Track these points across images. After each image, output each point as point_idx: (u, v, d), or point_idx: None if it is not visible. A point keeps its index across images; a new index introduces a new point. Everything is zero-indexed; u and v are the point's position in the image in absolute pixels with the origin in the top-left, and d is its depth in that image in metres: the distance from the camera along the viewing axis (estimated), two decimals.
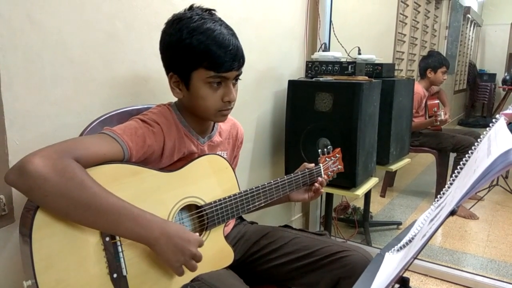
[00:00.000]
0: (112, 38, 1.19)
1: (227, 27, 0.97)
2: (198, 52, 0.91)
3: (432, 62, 3.02)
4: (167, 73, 1.00)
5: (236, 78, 1.00)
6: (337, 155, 1.35)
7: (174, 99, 1.06)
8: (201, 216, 0.98)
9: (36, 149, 0.77)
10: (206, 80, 0.94)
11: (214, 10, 0.99)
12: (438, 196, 0.66)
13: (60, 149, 0.77)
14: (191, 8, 0.98)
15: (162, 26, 1.32)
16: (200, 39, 0.91)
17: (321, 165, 1.27)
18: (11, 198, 0.99)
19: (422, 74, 3.10)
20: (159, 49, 0.99)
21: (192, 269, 0.87)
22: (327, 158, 1.31)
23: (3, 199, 0.97)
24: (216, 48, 0.91)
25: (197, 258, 0.87)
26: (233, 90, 0.99)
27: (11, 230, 1.01)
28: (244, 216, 1.26)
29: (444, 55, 4.08)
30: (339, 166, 1.35)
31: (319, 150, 1.32)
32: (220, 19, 0.97)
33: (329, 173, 1.31)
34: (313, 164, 1.25)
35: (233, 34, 0.97)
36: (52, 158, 0.74)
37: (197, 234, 0.91)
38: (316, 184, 1.22)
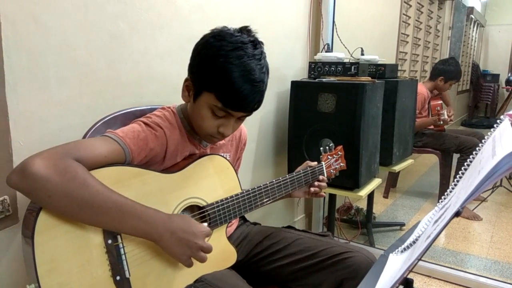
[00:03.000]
0: (116, 39, 1.19)
1: (262, 68, 0.93)
2: (219, 78, 0.89)
3: (448, 72, 2.99)
4: (188, 73, 0.98)
5: (245, 116, 0.98)
6: (339, 152, 1.34)
7: (177, 100, 1.06)
8: (204, 217, 0.98)
9: (40, 149, 0.77)
10: (211, 106, 0.92)
11: (261, 43, 0.95)
12: (442, 197, 0.66)
13: (62, 150, 0.78)
14: (241, 30, 0.94)
15: (166, 27, 1.34)
16: (229, 68, 0.87)
17: (323, 163, 1.27)
18: (15, 199, 0.99)
19: (433, 77, 3.08)
20: (193, 49, 0.96)
21: (202, 260, 0.87)
22: (329, 156, 1.31)
23: (7, 200, 0.98)
24: (238, 84, 0.88)
25: (206, 250, 0.87)
26: (232, 126, 0.97)
27: (15, 231, 1.01)
28: (247, 216, 1.26)
29: (447, 55, 4.07)
30: (341, 164, 1.34)
31: (321, 148, 1.31)
32: (261, 55, 0.94)
33: (332, 170, 1.31)
34: (315, 162, 1.25)
35: (263, 79, 0.93)
36: (53, 159, 0.75)
37: (205, 224, 0.91)
38: (312, 189, 1.22)
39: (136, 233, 0.82)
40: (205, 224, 0.93)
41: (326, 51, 2.15)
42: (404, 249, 0.66)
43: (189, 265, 0.87)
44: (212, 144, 1.08)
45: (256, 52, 0.92)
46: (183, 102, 1.04)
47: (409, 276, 0.65)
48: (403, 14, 3.54)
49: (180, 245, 0.84)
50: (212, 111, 0.93)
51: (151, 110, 1.04)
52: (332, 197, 2.03)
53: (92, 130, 1.02)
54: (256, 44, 0.94)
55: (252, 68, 0.90)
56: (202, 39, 0.95)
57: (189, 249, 0.85)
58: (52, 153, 0.76)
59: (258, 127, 1.92)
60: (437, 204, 0.66)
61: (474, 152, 0.63)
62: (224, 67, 0.88)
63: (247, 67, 0.89)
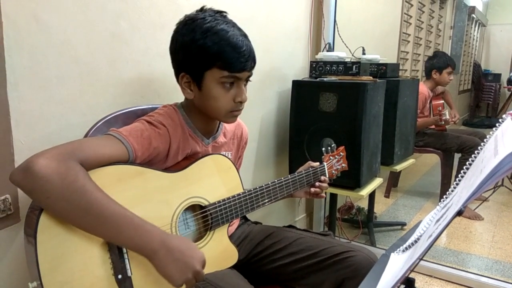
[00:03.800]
0: (117, 38, 1.19)
1: (239, 29, 0.98)
2: (212, 53, 0.92)
3: (437, 63, 2.99)
4: (178, 74, 0.99)
5: (247, 79, 1.01)
6: (341, 153, 1.34)
7: (179, 99, 1.06)
8: (205, 216, 0.98)
9: (41, 148, 0.77)
10: (219, 80, 0.94)
11: (225, 12, 0.99)
12: (444, 196, 0.66)
13: (66, 151, 0.77)
14: (202, 9, 0.98)
15: (167, 26, 1.34)
16: (214, 39, 0.91)
17: (325, 163, 1.27)
18: (16, 198, 1.00)
19: (427, 75, 3.08)
20: (170, 50, 0.99)
21: (191, 286, 0.83)
22: (331, 157, 1.31)
23: (9, 199, 0.98)
24: (230, 48, 0.92)
25: (200, 277, 0.83)
26: (243, 90, 0.99)
27: (16, 230, 1.01)
28: (248, 216, 1.26)
29: (449, 55, 4.06)
30: (343, 164, 1.34)
31: (323, 149, 1.31)
32: (232, 21, 0.98)
33: (333, 171, 1.30)
34: (317, 163, 1.25)
35: (245, 35, 0.97)
36: (56, 160, 0.74)
37: (202, 252, 0.86)
38: (312, 190, 1.23)
39: (130, 245, 0.80)
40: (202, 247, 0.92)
41: (327, 51, 2.15)
42: (406, 248, 0.66)
43: (179, 287, 0.81)
44: (234, 122, 1.07)
45: (227, 19, 0.97)
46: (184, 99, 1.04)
47: (410, 276, 0.65)
48: (405, 13, 3.53)
49: (176, 266, 0.79)
50: (222, 85, 0.95)
51: (152, 109, 1.04)
52: (333, 197, 2.03)
53: (93, 129, 1.02)
54: (224, 14, 0.99)
55: (232, 30, 0.94)
56: (175, 34, 0.98)
57: (185, 273, 0.80)
58: (57, 153, 0.75)
59: (259, 126, 1.92)
60: (439, 203, 0.66)
61: (476, 151, 0.62)
62: (211, 39, 0.92)
63: (227, 30, 0.93)
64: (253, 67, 0.99)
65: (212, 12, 0.97)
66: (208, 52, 0.92)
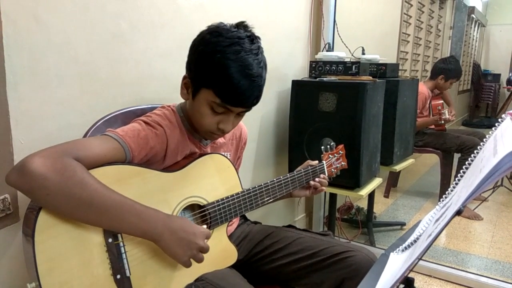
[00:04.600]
0: (117, 38, 1.19)
1: (260, 63, 0.92)
2: (217, 74, 0.88)
3: (448, 71, 2.99)
4: (186, 71, 0.98)
5: (243, 112, 0.97)
6: (340, 151, 1.33)
7: (179, 99, 1.06)
8: (204, 216, 0.98)
9: (40, 148, 0.77)
10: (210, 102, 0.92)
11: (259, 38, 0.95)
12: (443, 196, 0.66)
13: (61, 149, 0.77)
14: (238, 26, 0.93)
15: (167, 25, 1.34)
16: (227, 64, 0.87)
17: (324, 162, 1.27)
18: (16, 197, 0.99)
19: (433, 76, 3.08)
20: (190, 46, 0.96)
21: (199, 261, 0.87)
22: (330, 155, 1.31)
23: (8, 198, 0.98)
24: (236, 79, 0.87)
25: (204, 250, 0.87)
26: (232, 122, 0.96)
27: (16, 230, 1.01)
28: (247, 216, 1.26)
29: (448, 55, 4.06)
30: (342, 163, 1.34)
31: (322, 147, 1.31)
32: (258, 49, 0.93)
33: (333, 169, 1.30)
34: (316, 162, 1.25)
35: (261, 74, 0.92)
36: (51, 157, 0.74)
37: (204, 226, 0.91)
38: (312, 182, 1.22)
39: (135, 232, 0.81)
40: (205, 226, 0.93)
41: (327, 50, 2.15)
42: (405, 248, 0.66)
43: (188, 265, 0.86)
44: (213, 140, 1.08)
45: (253, 47, 0.92)
46: (183, 101, 1.04)
47: (409, 275, 0.65)
48: (404, 13, 3.54)
49: (180, 244, 0.83)
50: (211, 108, 0.93)
51: (152, 109, 1.04)
52: (333, 197, 2.03)
53: (92, 129, 1.02)
54: (253, 39, 0.93)
55: (249, 63, 0.89)
56: (198, 35, 0.94)
57: (189, 249, 0.84)
58: (51, 152, 0.76)
59: (258, 126, 1.92)
60: (438, 203, 0.66)
61: (475, 151, 0.63)
62: (221, 63, 0.87)
63: (244, 62, 0.88)
64: (251, 105, 0.94)
65: (243, 33, 0.91)
66: (213, 72, 0.89)
